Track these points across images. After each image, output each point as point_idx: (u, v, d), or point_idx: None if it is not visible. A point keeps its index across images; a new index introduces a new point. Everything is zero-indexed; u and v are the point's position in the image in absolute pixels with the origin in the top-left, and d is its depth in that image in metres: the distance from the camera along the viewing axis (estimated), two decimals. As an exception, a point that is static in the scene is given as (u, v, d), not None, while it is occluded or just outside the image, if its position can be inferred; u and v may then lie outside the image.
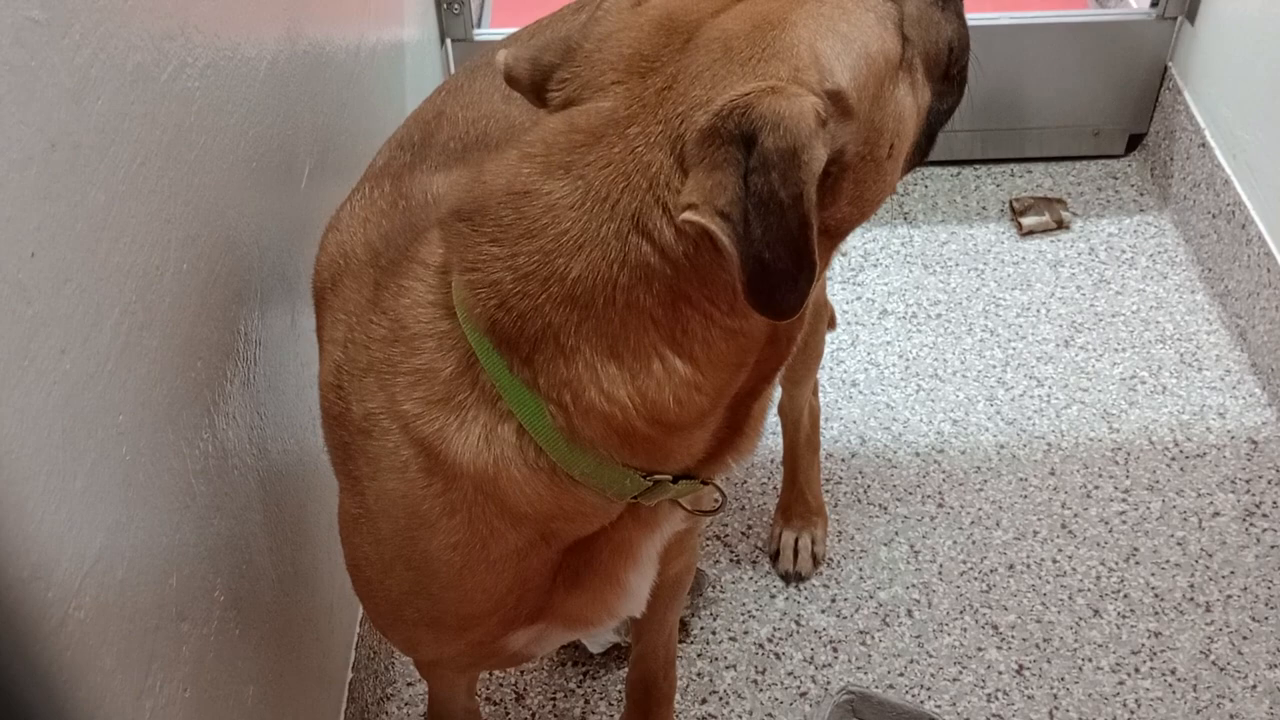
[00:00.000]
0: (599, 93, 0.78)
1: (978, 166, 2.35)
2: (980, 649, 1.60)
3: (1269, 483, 1.78)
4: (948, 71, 0.89)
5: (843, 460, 1.83)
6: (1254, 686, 1.55)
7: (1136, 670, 1.57)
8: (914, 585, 1.67)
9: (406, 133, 1.15)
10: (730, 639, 1.61)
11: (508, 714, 1.54)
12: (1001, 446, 1.84)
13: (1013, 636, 1.61)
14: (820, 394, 1.72)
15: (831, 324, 1.78)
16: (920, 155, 0.91)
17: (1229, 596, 1.65)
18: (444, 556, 0.88)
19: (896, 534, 1.73)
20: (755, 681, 1.57)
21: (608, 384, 0.78)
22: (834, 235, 0.83)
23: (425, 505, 0.87)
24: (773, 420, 1.68)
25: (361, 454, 0.90)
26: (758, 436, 0.91)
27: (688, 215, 0.72)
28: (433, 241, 0.88)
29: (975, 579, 1.68)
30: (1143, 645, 1.60)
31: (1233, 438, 1.85)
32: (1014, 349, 2.00)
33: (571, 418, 0.79)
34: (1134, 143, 2.37)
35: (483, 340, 0.80)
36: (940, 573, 1.68)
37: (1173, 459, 1.82)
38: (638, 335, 0.77)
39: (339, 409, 0.92)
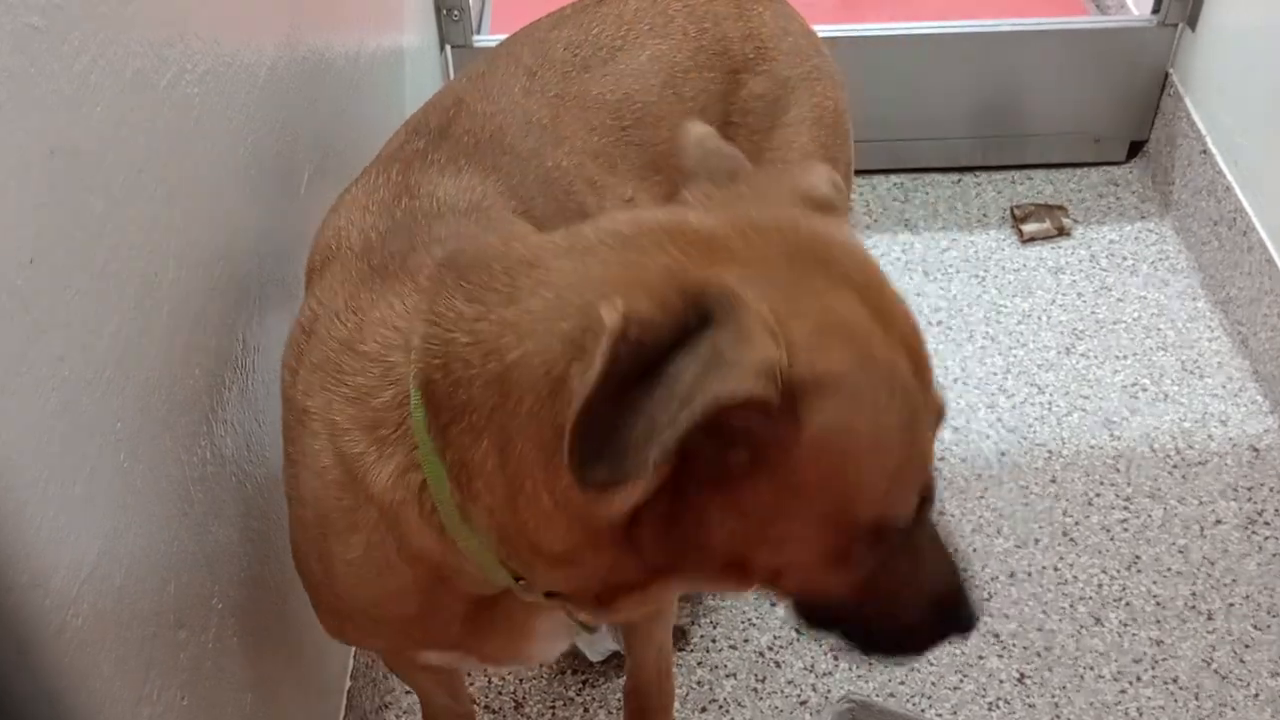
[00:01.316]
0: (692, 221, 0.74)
1: (978, 173, 2.35)
2: (981, 657, 1.59)
3: (1271, 490, 1.78)
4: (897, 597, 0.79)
5: (843, 467, 1.83)
6: (1256, 695, 1.54)
7: (1138, 679, 1.57)
8: (915, 593, 1.66)
9: (423, 117, 1.12)
10: (730, 647, 1.61)
11: (507, 722, 1.53)
12: (1003, 454, 1.84)
13: (1014, 645, 1.60)
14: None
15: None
16: (801, 615, 0.82)
17: (1231, 605, 1.64)
18: (341, 568, 0.88)
19: (897, 541, 1.73)
20: (755, 690, 1.56)
21: (492, 480, 0.74)
22: (666, 571, 0.74)
23: (334, 515, 0.86)
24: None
25: (296, 441, 0.89)
26: (637, 618, 0.85)
27: (602, 309, 0.63)
28: (427, 267, 0.86)
29: (976, 587, 1.67)
30: (1144, 653, 1.59)
31: (1234, 445, 1.84)
32: (1015, 356, 1.99)
33: (464, 498, 0.77)
34: (1135, 149, 2.36)
35: (416, 392, 0.78)
36: (941, 580, 1.68)
37: (1174, 466, 1.82)
38: (524, 447, 0.71)
39: (289, 391, 0.91)
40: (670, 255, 0.70)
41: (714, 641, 1.62)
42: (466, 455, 0.75)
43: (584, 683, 1.57)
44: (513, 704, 1.55)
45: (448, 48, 2.17)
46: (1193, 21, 2.16)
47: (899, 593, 0.80)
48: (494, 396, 0.72)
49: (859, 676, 1.57)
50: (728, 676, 1.58)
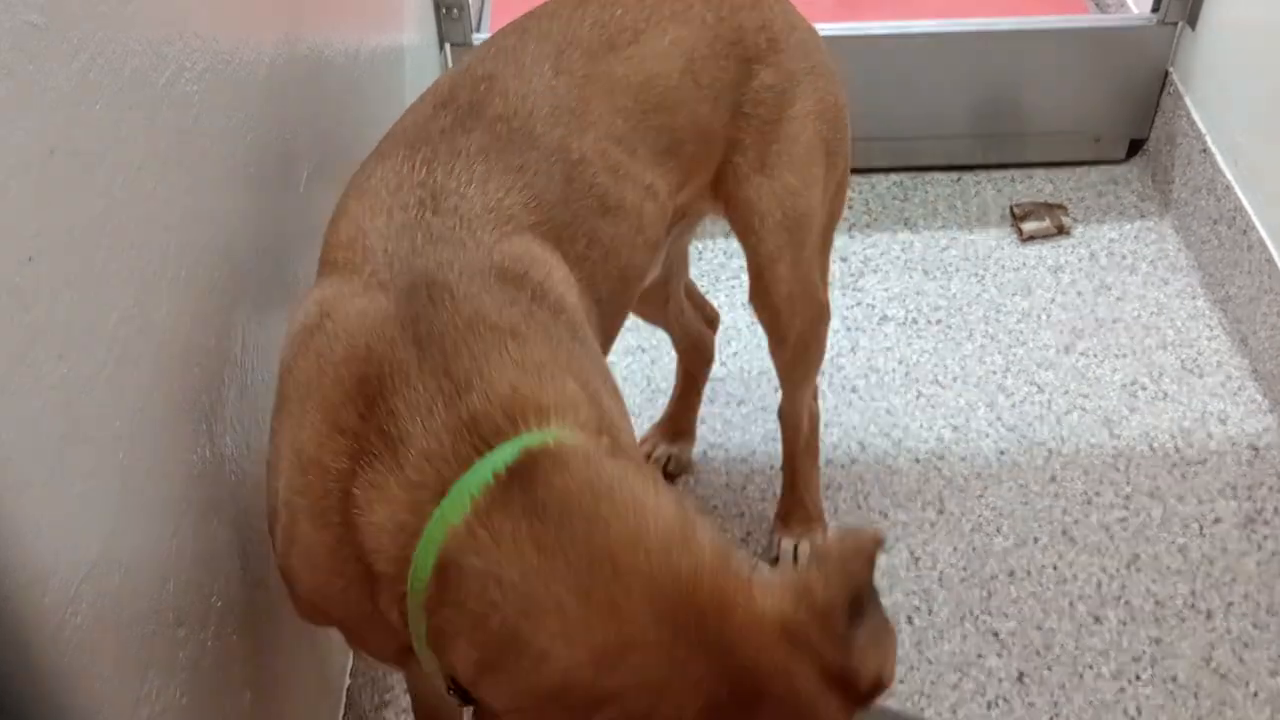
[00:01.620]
0: None
1: (978, 172, 2.35)
2: (980, 656, 1.59)
3: (1270, 489, 1.78)
4: None
5: (843, 466, 1.83)
6: (1255, 694, 1.54)
7: (1137, 677, 1.57)
8: (914, 592, 1.66)
9: (451, 88, 1.09)
10: (730, 645, 1.61)
11: None
12: (1002, 453, 1.84)
13: (1013, 643, 1.60)
14: (820, 400, 1.72)
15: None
16: None
17: (1230, 603, 1.64)
18: (300, 549, 0.89)
19: (896, 540, 1.73)
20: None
21: (457, 650, 0.80)
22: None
23: (307, 510, 0.88)
24: (773, 426, 1.67)
25: (277, 413, 0.91)
26: None
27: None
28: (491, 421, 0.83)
29: (975, 586, 1.67)
30: (1144, 652, 1.59)
31: (1234, 444, 1.85)
32: (1015, 355, 1.99)
33: (433, 641, 0.80)
34: (1135, 148, 2.36)
35: (426, 560, 0.79)
36: (940, 579, 1.68)
37: (1174, 465, 1.82)
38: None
39: (284, 366, 0.92)
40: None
41: (713, 640, 1.61)
42: (447, 636, 0.79)
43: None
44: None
45: (447, 45, 2.17)
46: (1193, 20, 2.16)
47: None
48: (488, 638, 0.76)
49: (858, 675, 1.57)
50: (727, 675, 1.58)
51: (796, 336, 1.44)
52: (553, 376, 0.87)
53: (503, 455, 0.79)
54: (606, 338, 1.13)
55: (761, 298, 1.38)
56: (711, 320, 1.78)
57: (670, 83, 1.19)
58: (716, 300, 1.91)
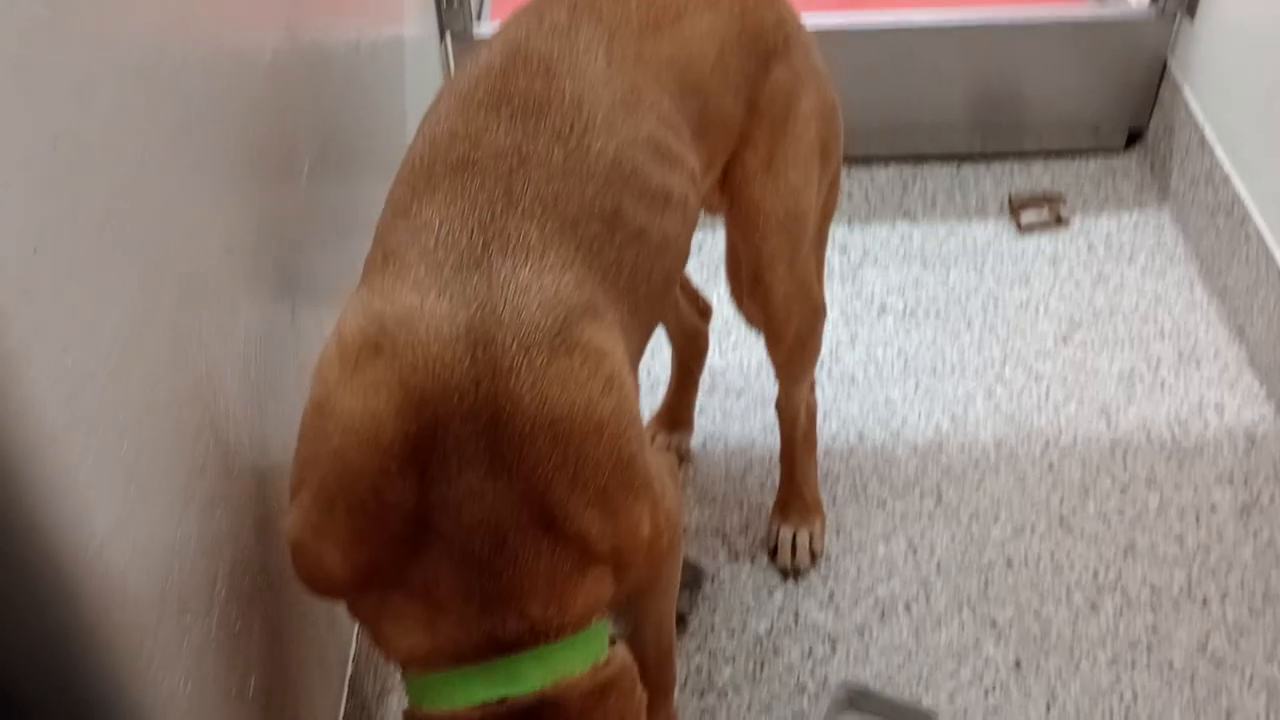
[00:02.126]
0: None
1: (976, 162, 2.35)
2: (978, 643, 1.60)
3: (1266, 478, 1.79)
4: None
5: (841, 456, 1.83)
6: (1250, 681, 1.55)
7: (1133, 664, 1.58)
8: (912, 580, 1.67)
9: (505, 73, 1.06)
10: (729, 634, 1.62)
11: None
12: (1000, 442, 1.85)
13: (1010, 631, 1.61)
14: (819, 390, 1.73)
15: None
16: None
17: (1226, 591, 1.65)
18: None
19: (894, 529, 1.74)
20: (753, 676, 1.57)
21: None
22: None
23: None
24: (771, 417, 1.68)
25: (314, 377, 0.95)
26: None
27: None
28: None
29: (973, 574, 1.68)
30: (1140, 640, 1.60)
31: (1230, 433, 1.85)
32: (1012, 345, 2.00)
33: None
34: (1133, 139, 2.37)
35: None
36: (938, 568, 1.69)
37: (1170, 455, 1.83)
38: None
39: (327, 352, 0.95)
40: None
41: (713, 628, 1.63)
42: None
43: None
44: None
45: (448, 36, 2.17)
46: (1191, 11, 2.16)
47: None
48: None
49: (857, 663, 1.58)
50: (726, 662, 1.59)
51: (794, 335, 1.45)
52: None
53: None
54: (645, 340, 1.13)
55: (760, 297, 1.39)
56: (704, 312, 1.78)
57: (706, 68, 1.19)
58: (715, 292, 1.92)
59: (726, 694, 1.56)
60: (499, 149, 1.00)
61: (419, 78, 1.89)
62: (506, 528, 0.89)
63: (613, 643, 0.99)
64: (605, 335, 0.97)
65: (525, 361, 0.89)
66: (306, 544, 0.94)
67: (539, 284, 0.94)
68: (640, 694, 1.00)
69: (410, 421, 0.87)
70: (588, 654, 0.95)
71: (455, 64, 2.20)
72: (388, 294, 0.93)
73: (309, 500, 0.93)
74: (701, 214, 1.42)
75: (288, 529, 0.95)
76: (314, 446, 0.93)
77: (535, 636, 0.91)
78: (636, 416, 0.97)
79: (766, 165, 1.30)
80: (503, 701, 0.91)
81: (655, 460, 1.01)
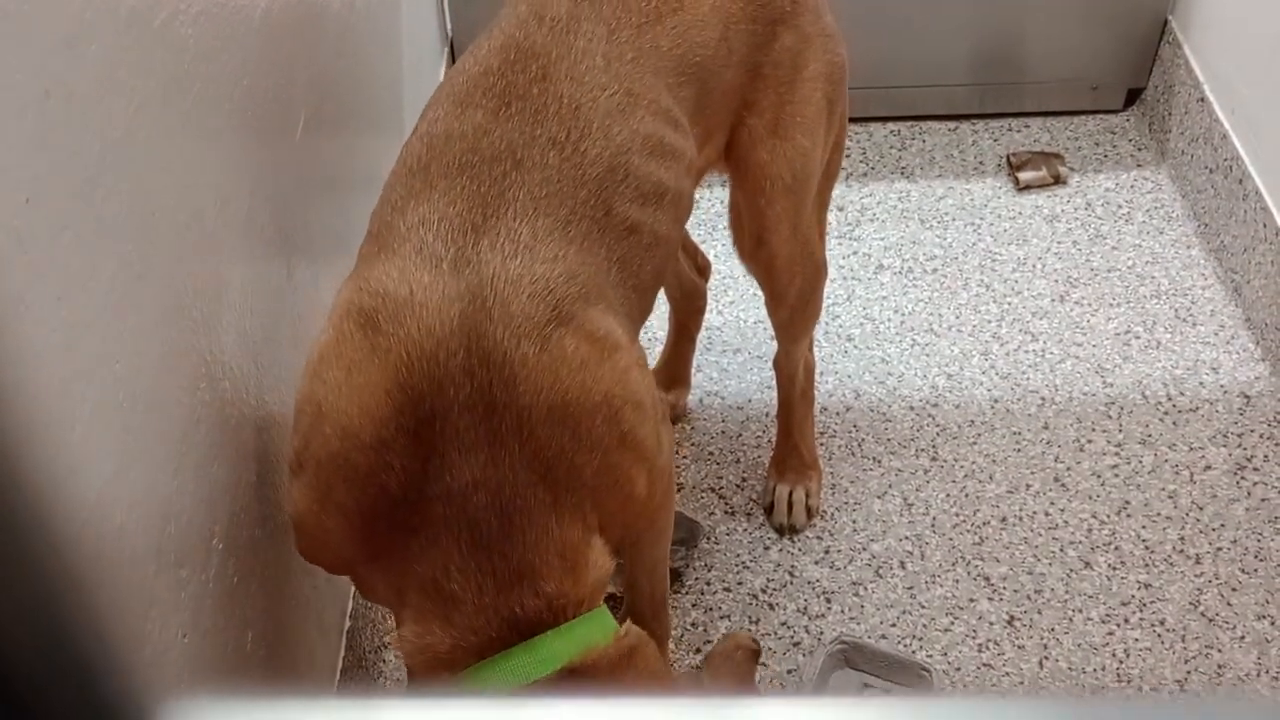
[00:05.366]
0: None
1: (975, 121, 2.34)
2: (972, 600, 1.61)
3: (1260, 437, 1.80)
4: None
5: (837, 414, 1.84)
6: (1242, 637, 1.57)
7: (1126, 621, 1.59)
8: (907, 537, 1.68)
9: (502, 75, 1.06)
10: (724, 590, 1.63)
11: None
12: (995, 401, 1.85)
13: (1004, 588, 1.62)
14: (816, 348, 1.73)
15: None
16: None
17: (1219, 549, 1.66)
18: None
19: (890, 487, 1.74)
20: (749, 631, 1.58)
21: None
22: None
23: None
24: (768, 374, 1.68)
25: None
26: None
27: None
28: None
29: (968, 531, 1.69)
30: (1133, 597, 1.61)
31: (1225, 392, 1.86)
32: (1009, 304, 2.00)
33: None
34: (1132, 97, 2.36)
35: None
36: (933, 525, 1.70)
37: (1165, 413, 1.83)
38: None
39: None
40: None
41: (708, 584, 1.63)
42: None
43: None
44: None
45: (443, -8, 2.15)
46: (1192, -33, 2.15)
47: None
48: None
49: (851, 619, 1.59)
50: (721, 618, 1.60)
51: (796, 296, 1.45)
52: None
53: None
54: (645, 312, 1.15)
55: (763, 259, 1.39)
56: (703, 269, 1.78)
57: (708, 51, 1.19)
58: (713, 250, 1.91)
59: (722, 649, 1.57)
60: (495, 153, 1.02)
61: (415, 34, 1.88)
62: (512, 510, 0.92)
63: None
64: (598, 320, 0.99)
65: (518, 351, 0.93)
66: (308, 524, 0.96)
67: (530, 276, 0.96)
68: (665, 658, 1.03)
69: (408, 418, 0.91)
70: (606, 626, 0.97)
71: (451, 20, 2.18)
72: (381, 289, 0.96)
73: (312, 494, 0.96)
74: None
75: (290, 506, 0.97)
76: (314, 446, 0.95)
77: (554, 614, 0.93)
78: (634, 391, 0.99)
79: (773, 129, 1.29)
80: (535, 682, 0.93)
81: (653, 419, 1.02)
